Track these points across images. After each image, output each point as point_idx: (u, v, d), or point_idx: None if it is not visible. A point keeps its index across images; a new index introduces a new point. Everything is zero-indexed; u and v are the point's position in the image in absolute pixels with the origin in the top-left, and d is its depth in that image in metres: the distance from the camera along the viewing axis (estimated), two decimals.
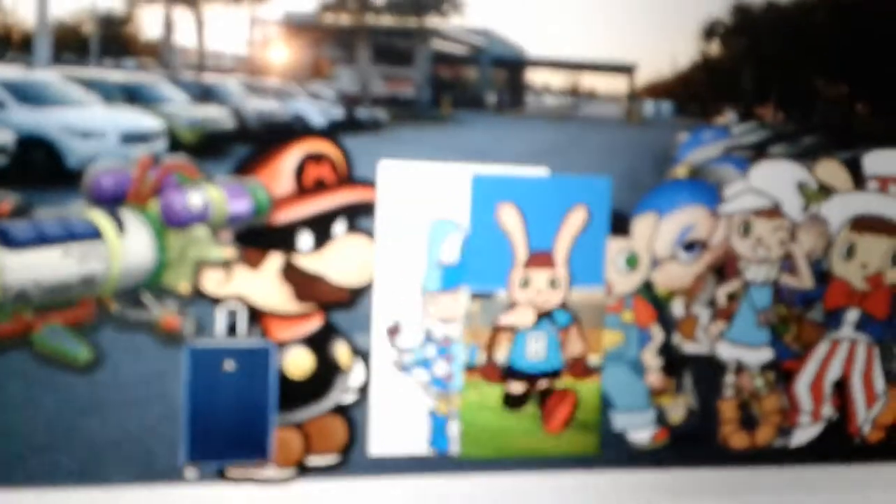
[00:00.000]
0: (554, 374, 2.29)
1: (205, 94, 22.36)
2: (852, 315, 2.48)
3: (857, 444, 2.56)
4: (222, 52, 69.78)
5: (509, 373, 2.26)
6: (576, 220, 2.24)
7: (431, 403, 2.25)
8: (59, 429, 4.45)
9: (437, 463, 2.29)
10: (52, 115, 13.74)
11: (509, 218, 2.19)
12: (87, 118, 14.10)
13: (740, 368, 2.48)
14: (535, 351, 2.25)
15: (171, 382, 4.82)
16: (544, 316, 2.25)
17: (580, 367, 2.30)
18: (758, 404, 2.50)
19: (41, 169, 12.86)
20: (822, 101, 33.20)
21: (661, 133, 45.04)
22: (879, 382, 2.53)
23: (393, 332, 2.21)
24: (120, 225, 1.77)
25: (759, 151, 17.46)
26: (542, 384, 2.28)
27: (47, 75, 16.90)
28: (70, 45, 61.45)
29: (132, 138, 14.22)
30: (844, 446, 2.56)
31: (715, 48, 48.51)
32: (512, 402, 2.27)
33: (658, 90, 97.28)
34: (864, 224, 2.44)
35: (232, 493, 2.16)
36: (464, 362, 2.23)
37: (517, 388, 2.26)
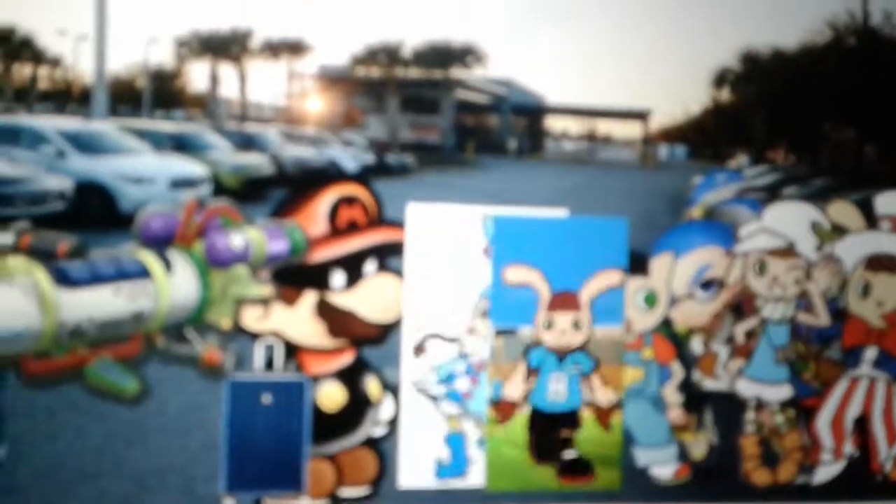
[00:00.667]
0: (573, 414, 2.25)
1: (246, 143, 22.58)
2: (871, 353, 2.43)
3: (880, 481, 2.50)
4: (263, 103, 70.76)
5: (531, 414, 2.23)
6: (610, 278, 2.22)
7: (444, 424, 2.22)
8: (106, 457, 4.45)
9: (465, 496, 2.26)
10: (107, 163, 13.88)
11: (516, 275, 2.18)
12: (139, 166, 14.24)
13: (760, 405, 2.44)
14: (556, 391, 2.22)
15: (211, 414, 4.80)
16: (566, 355, 2.22)
17: (604, 416, 2.27)
18: (779, 441, 2.45)
19: (96, 213, 13.00)
20: (832, 145, 33.07)
21: (675, 176, 45.03)
22: None
23: (419, 350, 2.19)
24: (167, 265, 1.78)
25: (771, 193, 17.38)
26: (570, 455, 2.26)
27: (103, 126, 17.10)
28: (125, 97, 62.47)
29: (180, 184, 14.35)
30: (867, 484, 2.50)
31: (726, 94, 48.53)
32: (538, 452, 2.25)
33: (672, 135, 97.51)
34: (879, 263, 2.40)
35: None
36: (489, 397, 2.20)
37: (570, 454, 2.25)
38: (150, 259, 1.77)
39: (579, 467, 2.25)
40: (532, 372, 2.21)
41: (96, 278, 1.66)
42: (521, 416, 2.23)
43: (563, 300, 2.19)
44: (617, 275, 2.22)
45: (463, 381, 2.20)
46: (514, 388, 2.21)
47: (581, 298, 2.20)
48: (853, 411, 2.45)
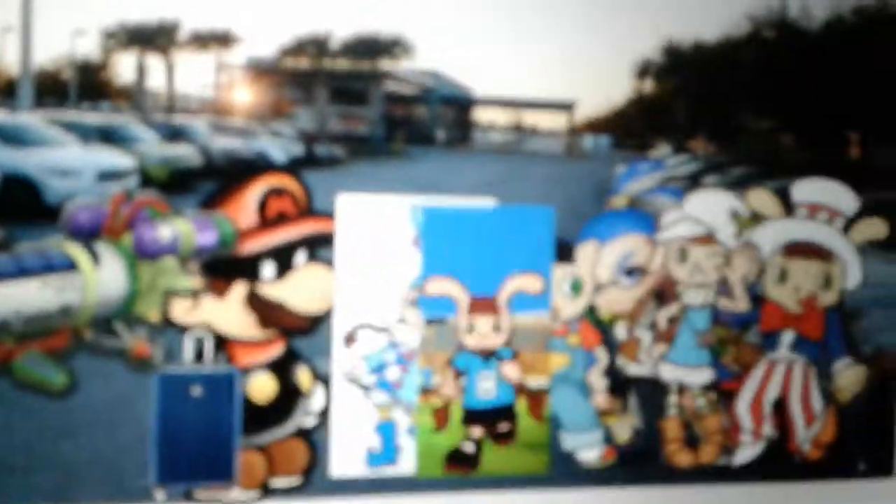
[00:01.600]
0: (507, 409, 2.27)
1: (174, 134, 22.17)
2: (788, 337, 2.48)
3: (798, 462, 2.55)
4: (191, 94, 69.48)
5: (466, 414, 2.24)
6: (523, 282, 2.24)
7: (375, 413, 2.23)
8: (35, 451, 4.35)
9: (396, 483, 2.26)
10: (32, 155, 13.54)
11: (438, 287, 2.19)
12: (65, 157, 13.90)
13: (682, 389, 2.47)
14: (486, 389, 2.24)
15: (141, 406, 4.73)
16: (489, 355, 2.24)
17: (536, 405, 2.29)
18: (700, 424, 2.49)
19: (22, 205, 12.66)
20: (750, 134, 33.68)
21: (599, 166, 45.40)
22: (817, 402, 2.53)
23: (350, 339, 2.18)
24: (95, 257, 1.75)
25: (692, 182, 17.61)
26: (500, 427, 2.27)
27: (29, 118, 16.69)
28: (50, 89, 60.84)
29: (107, 176, 14.05)
30: (785, 464, 2.55)
31: (648, 86, 49.09)
32: (462, 459, 2.26)
33: (596, 126, 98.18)
34: (796, 249, 2.44)
35: None
36: (419, 385, 2.21)
37: (469, 447, 2.26)
38: (77, 251, 1.73)
39: (467, 459, 2.27)
40: (460, 374, 2.22)
41: (22, 271, 1.63)
42: (455, 415, 2.24)
43: (482, 304, 2.21)
44: (531, 279, 2.24)
45: (393, 371, 2.20)
46: (446, 390, 2.21)
47: (499, 301, 2.21)
48: (772, 394, 2.50)
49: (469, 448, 2.25)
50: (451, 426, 2.23)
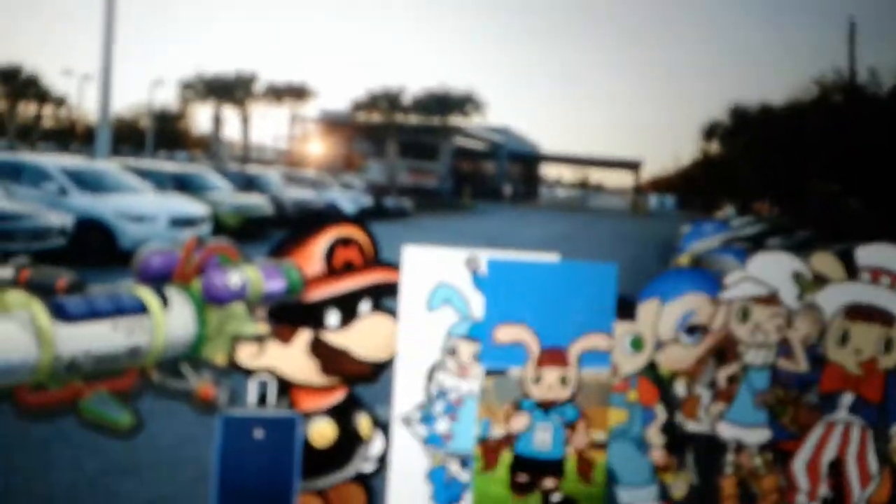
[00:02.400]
0: (556, 463, 2.25)
1: (247, 184, 22.65)
2: (847, 399, 2.44)
3: None
4: (265, 145, 70.92)
5: (515, 460, 2.23)
6: (597, 340, 2.24)
7: (428, 462, 2.22)
8: (100, 489, 4.42)
9: None
10: (108, 200, 13.91)
11: (511, 333, 2.19)
12: (139, 204, 14.26)
13: (740, 448, 2.44)
14: (543, 440, 2.23)
15: (204, 447, 4.76)
16: (550, 407, 2.23)
17: (586, 466, 2.27)
18: (757, 483, 2.45)
19: (97, 249, 13.02)
20: (816, 198, 33.23)
21: (664, 225, 45.24)
22: (873, 464, 2.47)
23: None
24: (165, 301, 1.78)
25: (756, 243, 17.42)
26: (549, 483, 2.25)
27: (106, 165, 17.15)
28: (128, 137, 62.56)
29: (180, 222, 14.37)
30: None
31: (715, 147, 48.78)
32: (518, 488, 2.24)
33: (661, 185, 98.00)
34: (858, 313, 2.41)
35: None
36: (477, 436, 2.20)
37: (523, 478, 2.24)
38: (147, 295, 1.77)
39: None
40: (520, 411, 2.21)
41: (94, 313, 1.66)
42: (506, 459, 2.22)
43: (552, 356, 2.20)
44: (605, 338, 2.23)
45: (443, 423, 2.20)
46: (514, 424, 2.21)
47: (569, 355, 2.21)
48: (829, 455, 2.46)
49: (556, 499, 2.24)
50: (499, 469, 2.21)
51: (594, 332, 2.24)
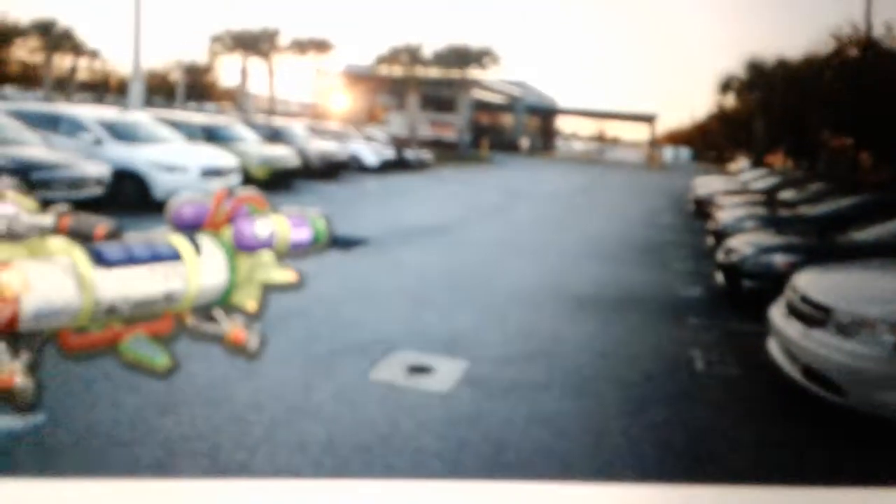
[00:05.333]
0: None
1: (274, 136, 22.63)
2: None
3: None
4: (290, 99, 70.82)
5: None
6: None
7: None
8: (139, 425, 4.50)
9: None
10: (142, 151, 13.94)
11: None
12: (172, 155, 14.29)
13: None
14: None
15: (236, 388, 4.82)
16: None
17: None
18: None
19: (132, 198, 13.09)
20: (829, 151, 32.91)
21: (678, 176, 45.10)
22: None
23: None
24: (198, 249, 1.81)
25: (769, 196, 17.28)
26: None
27: (139, 116, 17.16)
28: (159, 90, 62.62)
29: (210, 173, 14.39)
30: None
31: (730, 100, 48.30)
32: None
33: (677, 138, 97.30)
34: None
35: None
36: None
37: None
38: (181, 243, 1.80)
39: None
40: None
41: (131, 259, 1.69)
42: None
43: None
44: None
45: None
46: None
47: None
48: None
49: None
50: None
51: None
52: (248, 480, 2.15)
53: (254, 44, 52.13)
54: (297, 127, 26.11)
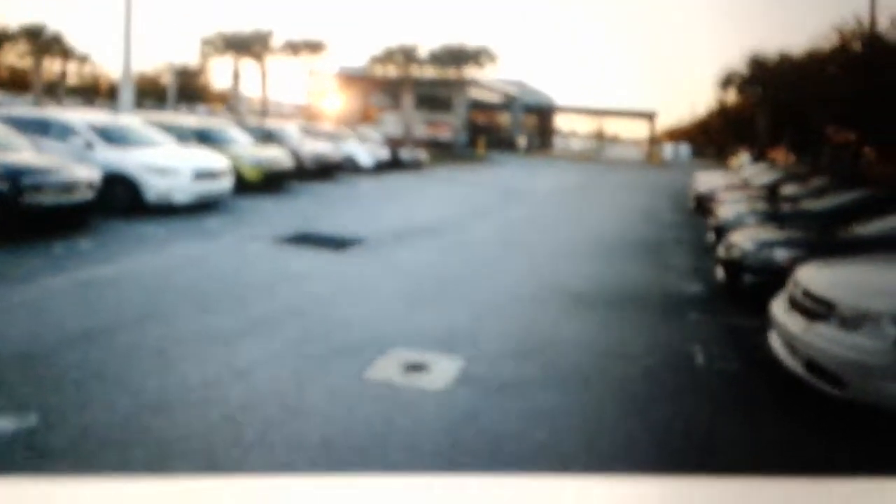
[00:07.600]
0: None
1: (267, 137, 22.67)
2: None
3: None
4: (283, 100, 70.83)
5: None
6: None
7: None
8: (132, 426, 4.53)
9: None
10: (133, 154, 13.94)
11: None
12: (163, 157, 14.30)
13: None
14: None
15: (229, 389, 4.85)
16: None
17: None
18: None
19: (123, 202, 13.14)
20: (832, 146, 32.94)
21: (678, 173, 45.14)
22: None
23: None
24: None
25: (771, 190, 17.32)
26: None
27: (130, 119, 17.17)
28: (150, 93, 62.72)
29: (203, 175, 14.41)
30: None
31: (731, 96, 48.29)
32: None
33: (676, 134, 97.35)
34: None
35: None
36: None
37: None
38: None
39: None
40: None
41: None
42: None
43: None
44: None
45: None
46: None
47: None
48: None
49: None
50: None
51: None
52: (246, 478, 2.18)
53: (246, 45, 52.15)
54: (291, 128, 26.14)
